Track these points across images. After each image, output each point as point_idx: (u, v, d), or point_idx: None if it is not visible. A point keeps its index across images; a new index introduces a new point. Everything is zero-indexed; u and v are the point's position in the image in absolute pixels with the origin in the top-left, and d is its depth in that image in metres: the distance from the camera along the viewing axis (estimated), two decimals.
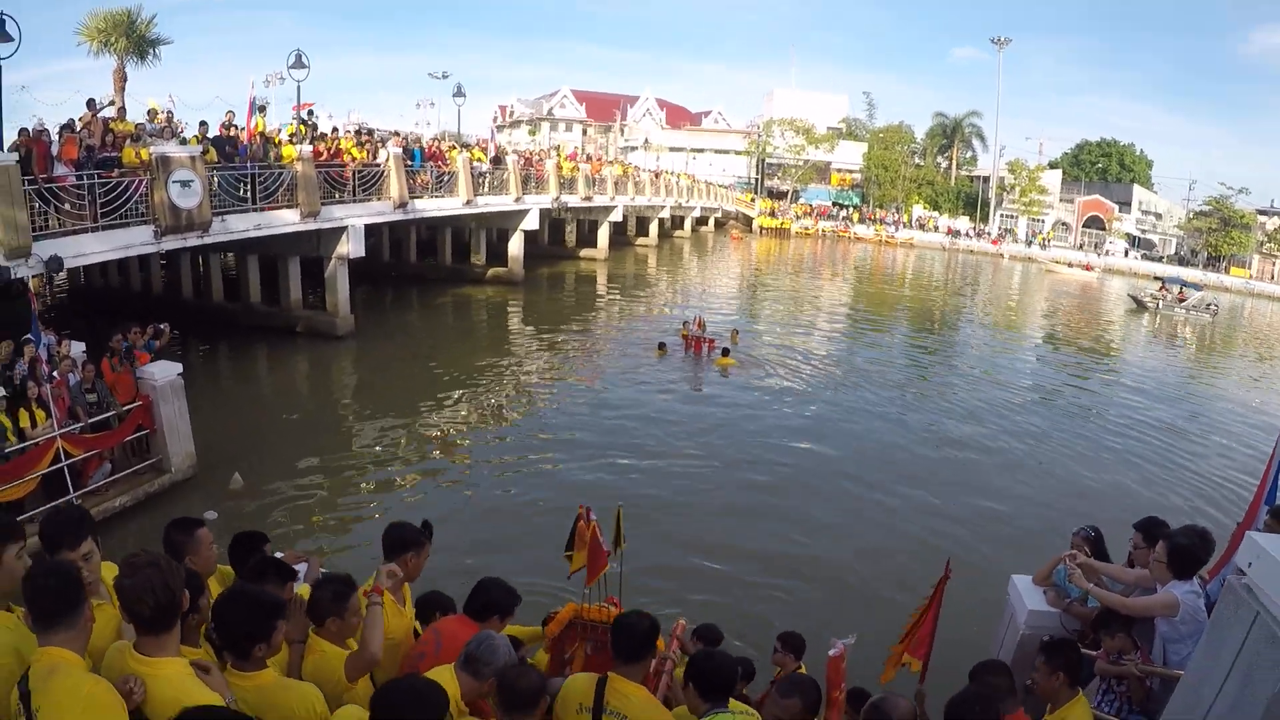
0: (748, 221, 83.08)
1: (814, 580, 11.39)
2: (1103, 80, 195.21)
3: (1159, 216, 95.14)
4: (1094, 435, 20.54)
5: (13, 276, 14.16)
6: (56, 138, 17.22)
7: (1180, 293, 51.21)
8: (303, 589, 4.72)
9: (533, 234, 39.38)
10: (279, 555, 4.82)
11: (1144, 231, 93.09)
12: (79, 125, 18.34)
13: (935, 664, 5.54)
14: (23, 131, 17.02)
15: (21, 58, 15.88)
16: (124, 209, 16.98)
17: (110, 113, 21.78)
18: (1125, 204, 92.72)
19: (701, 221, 75.48)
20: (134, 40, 40.15)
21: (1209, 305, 51.17)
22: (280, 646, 3.71)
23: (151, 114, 21.20)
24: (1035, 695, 4.62)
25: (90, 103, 19.50)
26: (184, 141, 19.79)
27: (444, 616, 5.21)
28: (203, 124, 21.71)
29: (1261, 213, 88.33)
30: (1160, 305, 50.55)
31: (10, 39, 15.90)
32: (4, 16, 15.90)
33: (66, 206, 15.71)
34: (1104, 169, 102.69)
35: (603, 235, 49.61)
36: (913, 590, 10.64)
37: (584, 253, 49.61)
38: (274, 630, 3.51)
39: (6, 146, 15.95)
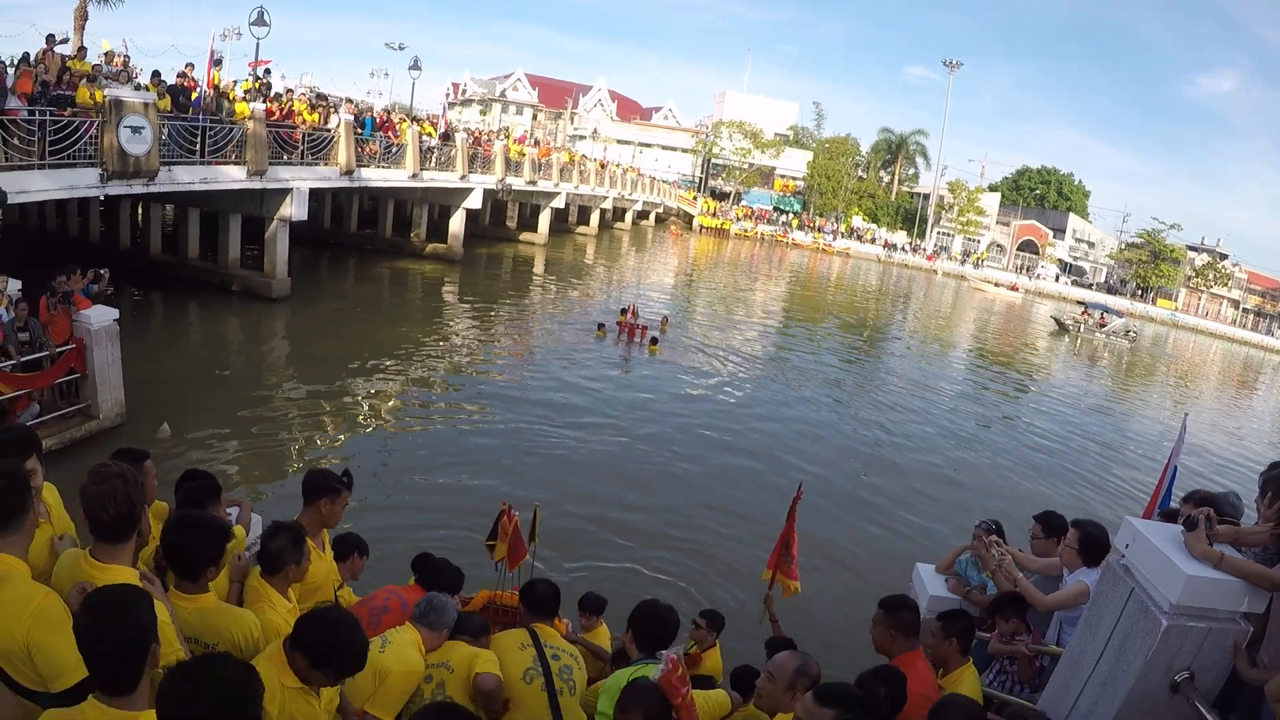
0: (689, 219, 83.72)
1: (715, 558, 11.90)
2: (1049, 110, 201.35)
3: (1091, 245, 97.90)
4: (1006, 441, 21.92)
5: None
6: (11, 71, 16.96)
7: (1101, 318, 53.21)
8: (235, 530, 5.07)
9: (475, 213, 39.50)
10: None
11: (1076, 258, 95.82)
12: (35, 60, 18.11)
13: (847, 641, 5.98)
14: None
15: None
16: (73, 149, 16.76)
17: (67, 50, 21.46)
18: (1060, 230, 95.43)
19: (643, 215, 75.89)
20: None
21: (1128, 331, 53.30)
22: (223, 570, 3.93)
23: (108, 56, 20.90)
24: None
25: (49, 38, 19.18)
26: (139, 87, 19.58)
27: (362, 558, 5.66)
28: (155, 73, 21.43)
29: (1191, 248, 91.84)
30: (1082, 328, 52.30)
31: None
32: None
33: (15, 141, 15.54)
34: (1042, 195, 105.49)
35: (544, 220, 49.78)
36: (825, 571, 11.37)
37: (524, 236, 49.74)
38: (223, 553, 3.69)
39: None
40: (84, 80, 18.02)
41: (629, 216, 71.34)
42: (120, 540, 3.31)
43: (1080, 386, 34.79)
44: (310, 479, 5.08)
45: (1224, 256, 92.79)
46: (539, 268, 42.12)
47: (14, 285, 12.40)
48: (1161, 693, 3.87)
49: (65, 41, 24.91)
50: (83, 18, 37.71)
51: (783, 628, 6.48)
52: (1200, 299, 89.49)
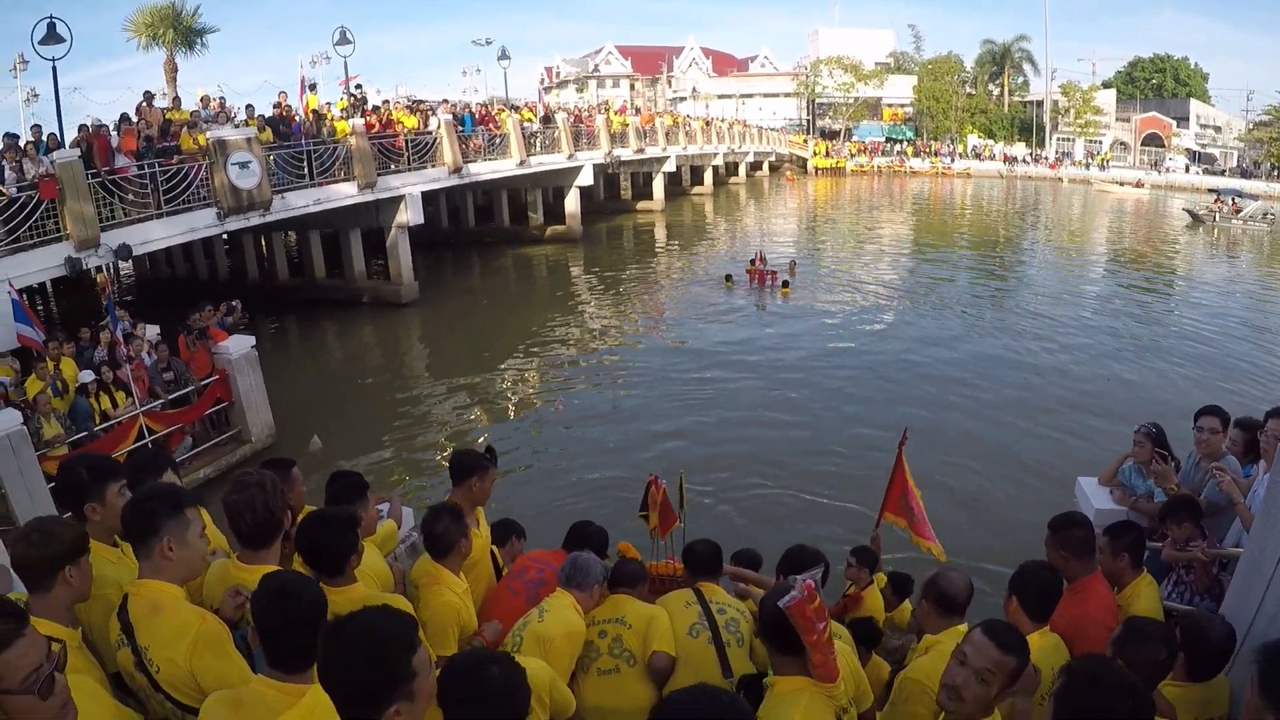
0: (802, 163, 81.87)
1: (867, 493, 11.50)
2: None
3: (1218, 130, 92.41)
4: (1154, 340, 20.70)
5: (84, 267, 14.69)
6: (115, 131, 17.64)
7: (1234, 204, 50.30)
8: (387, 525, 5.01)
9: (588, 190, 39.38)
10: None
11: (1204, 146, 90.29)
12: (135, 117, 18.84)
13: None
14: (82, 128, 17.68)
15: (71, 59, 16.39)
16: (186, 194, 17.45)
17: (164, 103, 22.27)
18: (1183, 119, 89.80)
19: (756, 167, 74.63)
20: (181, 31, 40.83)
21: (1265, 214, 49.75)
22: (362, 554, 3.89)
23: (204, 101, 21.62)
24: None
25: (147, 95, 20.00)
26: (238, 125, 20.17)
27: (520, 540, 5.93)
28: (249, 107, 22.12)
29: None
30: (1216, 217, 49.35)
31: (62, 40, 16.50)
32: (55, 20, 16.45)
33: (130, 197, 16.17)
34: (1159, 85, 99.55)
35: (658, 187, 49.34)
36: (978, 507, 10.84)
37: (640, 205, 49.46)
38: (356, 541, 3.69)
39: (68, 144, 16.51)
40: (185, 128, 18.74)
41: (742, 170, 70.20)
42: (262, 546, 3.38)
43: (1222, 276, 32.62)
44: (457, 459, 5.15)
45: None
46: (660, 234, 41.88)
47: (152, 331, 12.91)
48: None
49: (161, 96, 25.91)
50: (173, 70, 39.43)
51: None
52: None
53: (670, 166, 49.75)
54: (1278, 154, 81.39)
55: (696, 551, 4.98)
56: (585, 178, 37.31)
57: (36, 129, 17.24)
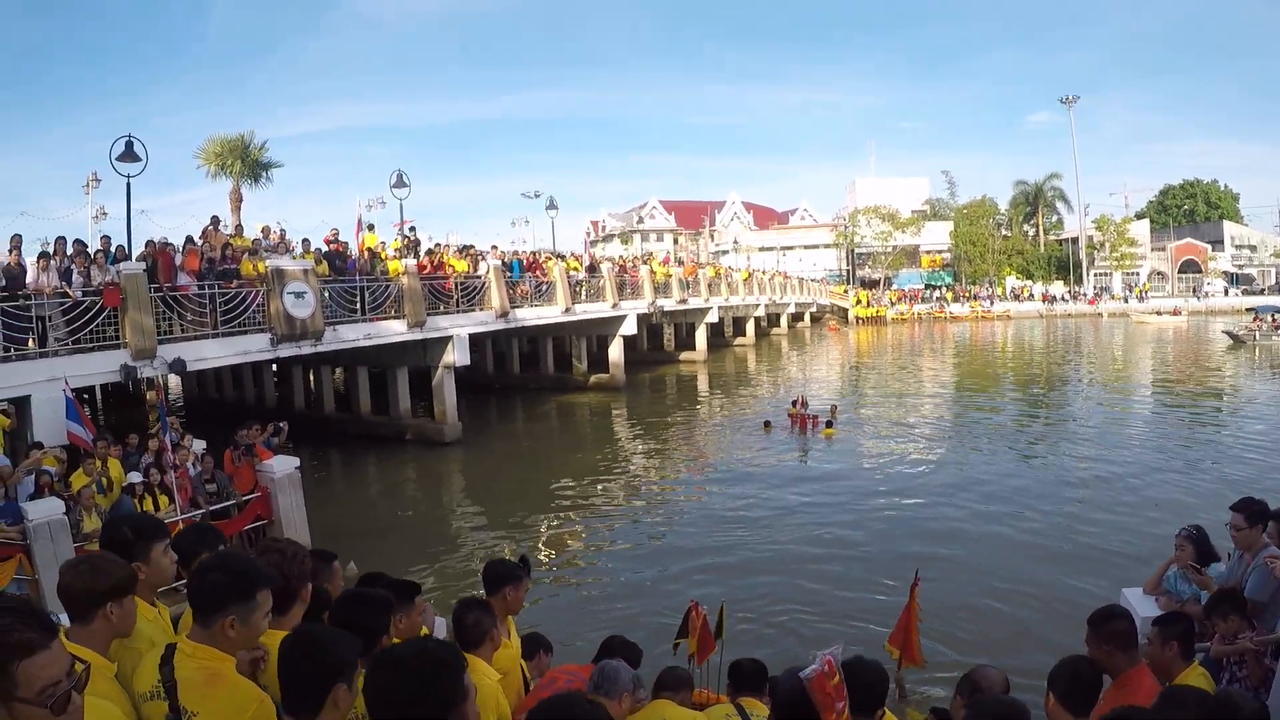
0: (843, 313, 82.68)
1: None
2: (1176, 122, 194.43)
3: (1254, 249, 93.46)
4: (1199, 460, 20.37)
5: (139, 375, 15.10)
6: (180, 251, 18.46)
7: (1274, 319, 51.27)
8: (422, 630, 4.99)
9: (631, 339, 39.88)
10: None
11: (1240, 267, 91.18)
12: (200, 240, 19.67)
13: None
14: (149, 243, 18.49)
15: (140, 186, 17.31)
16: (242, 318, 18.08)
17: (227, 230, 23.23)
18: (1217, 242, 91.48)
19: (797, 317, 75.61)
20: (248, 164, 43.44)
21: None
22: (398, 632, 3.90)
23: (265, 231, 22.53)
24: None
25: (214, 219, 20.94)
26: (296, 256, 20.97)
27: (548, 655, 5.92)
28: (305, 240, 23.05)
29: None
30: (1256, 336, 49.93)
31: (138, 159, 17.43)
32: (133, 139, 17.45)
33: (189, 315, 16.78)
34: (1191, 210, 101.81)
35: (700, 337, 49.87)
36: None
37: (683, 355, 49.90)
38: (388, 622, 3.69)
39: (134, 257, 17.31)
40: (246, 254, 19.45)
41: (784, 320, 71.00)
42: (279, 612, 3.27)
43: (1264, 391, 33.06)
44: (492, 568, 5.09)
45: None
46: (702, 383, 42.02)
47: (199, 444, 13.05)
48: None
49: (225, 225, 27.07)
50: (238, 199, 41.54)
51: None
52: None
53: (713, 317, 50.31)
54: None
55: (742, 668, 5.05)
56: (629, 327, 37.82)
57: (105, 239, 18.00)
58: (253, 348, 18.48)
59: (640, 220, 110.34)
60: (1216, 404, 30.72)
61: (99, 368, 15.31)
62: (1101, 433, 24.46)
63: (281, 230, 22.59)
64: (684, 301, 45.46)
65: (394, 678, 2.34)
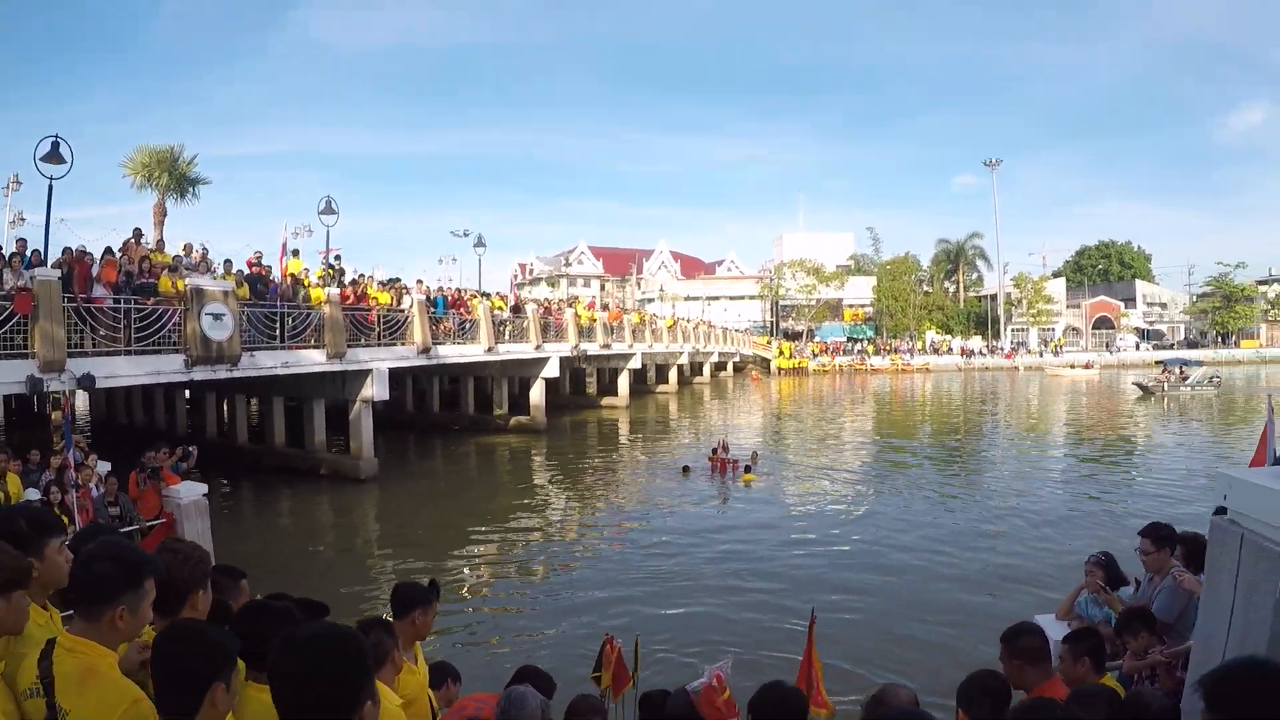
0: (766, 364, 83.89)
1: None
2: (1093, 186, 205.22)
3: (1164, 306, 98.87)
4: (1108, 502, 21.18)
5: (45, 388, 14.55)
6: (98, 261, 17.92)
7: (1181, 371, 54.14)
8: None
9: (554, 383, 39.83)
10: None
11: (1151, 323, 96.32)
12: (119, 252, 19.15)
13: None
14: (66, 250, 17.99)
15: (62, 196, 16.85)
16: (157, 336, 17.57)
17: (149, 244, 22.66)
18: (1130, 300, 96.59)
19: (720, 367, 76.32)
20: (175, 177, 42.31)
21: (1212, 378, 53.99)
22: None
23: (187, 249, 21.99)
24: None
25: (136, 232, 20.44)
26: (217, 277, 20.54)
27: (455, 684, 5.88)
28: (227, 261, 22.57)
29: (1261, 283, 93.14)
30: (1165, 386, 52.52)
31: (63, 161, 16.94)
32: (59, 140, 16.97)
33: (102, 331, 16.26)
34: (1105, 270, 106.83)
35: (623, 383, 49.97)
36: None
37: (605, 401, 49.92)
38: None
39: (50, 264, 16.65)
40: (165, 270, 18.94)
41: (707, 369, 71.64)
42: (163, 615, 3.21)
43: (1173, 438, 34.81)
44: (400, 591, 4.96)
45: None
46: (624, 428, 41.97)
47: (103, 465, 12.65)
48: None
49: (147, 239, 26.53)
50: (162, 214, 40.41)
51: None
52: None
53: (636, 364, 50.53)
54: (1220, 322, 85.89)
55: (652, 700, 5.07)
56: (551, 369, 37.62)
57: (21, 242, 17.50)
58: (166, 368, 17.92)
59: (568, 264, 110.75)
60: (1126, 448, 32.07)
61: (4, 377, 14.66)
62: (1017, 476, 25.29)
63: (204, 249, 22.03)
64: (608, 346, 45.59)
65: (307, 661, 2.21)
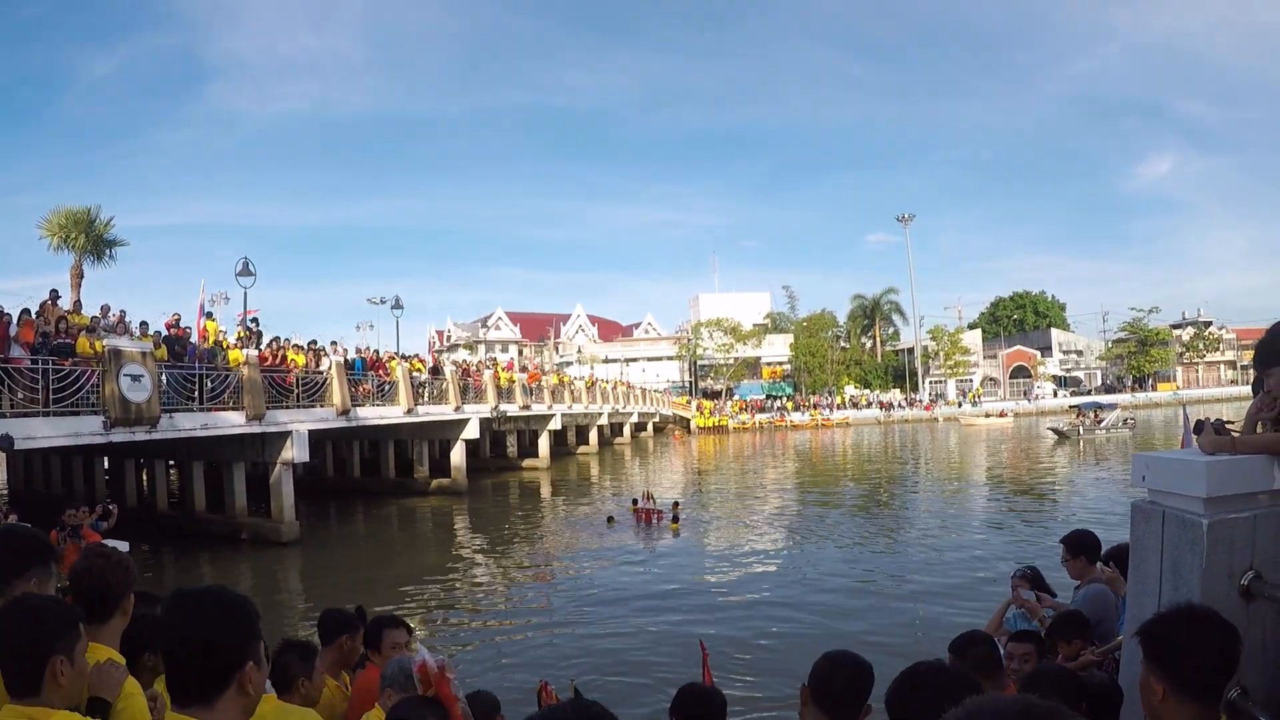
0: (686, 423, 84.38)
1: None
2: (1006, 239, 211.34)
3: (1080, 353, 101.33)
4: (1029, 536, 21.99)
5: None
6: (16, 321, 17.69)
7: (1096, 415, 55.20)
8: None
9: (474, 445, 39.79)
10: None
11: (1069, 370, 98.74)
12: (37, 314, 18.88)
13: None
14: None
15: None
16: (75, 398, 17.32)
17: (66, 305, 22.34)
18: (1046, 348, 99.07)
19: (641, 427, 76.42)
20: (92, 239, 41.48)
21: (1126, 421, 55.77)
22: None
23: (104, 310, 21.72)
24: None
25: (53, 292, 20.14)
26: (135, 338, 20.31)
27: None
28: (143, 324, 22.27)
29: (1175, 326, 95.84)
30: (1080, 430, 53.52)
31: None
32: None
33: (20, 393, 16.02)
34: (1021, 320, 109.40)
35: (543, 444, 49.86)
36: None
37: (526, 463, 49.66)
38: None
39: None
40: (83, 331, 18.72)
41: (627, 430, 71.83)
42: (98, 620, 3.10)
43: (1088, 478, 35.89)
44: (328, 617, 5.02)
45: (1208, 324, 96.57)
46: (545, 489, 41.82)
47: (23, 527, 12.40)
48: (1234, 604, 3.53)
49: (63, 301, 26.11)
50: (78, 275, 39.58)
51: None
52: (1198, 371, 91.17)
53: (556, 424, 50.55)
54: (1137, 365, 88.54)
55: None
56: (471, 431, 37.63)
57: None
58: (85, 429, 17.63)
59: (486, 330, 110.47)
60: (1045, 488, 33.10)
61: None
62: (937, 519, 25.94)
63: (121, 311, 21.83)
64: (527, 407, 45.65)
65: (192, 608, 2.20)
